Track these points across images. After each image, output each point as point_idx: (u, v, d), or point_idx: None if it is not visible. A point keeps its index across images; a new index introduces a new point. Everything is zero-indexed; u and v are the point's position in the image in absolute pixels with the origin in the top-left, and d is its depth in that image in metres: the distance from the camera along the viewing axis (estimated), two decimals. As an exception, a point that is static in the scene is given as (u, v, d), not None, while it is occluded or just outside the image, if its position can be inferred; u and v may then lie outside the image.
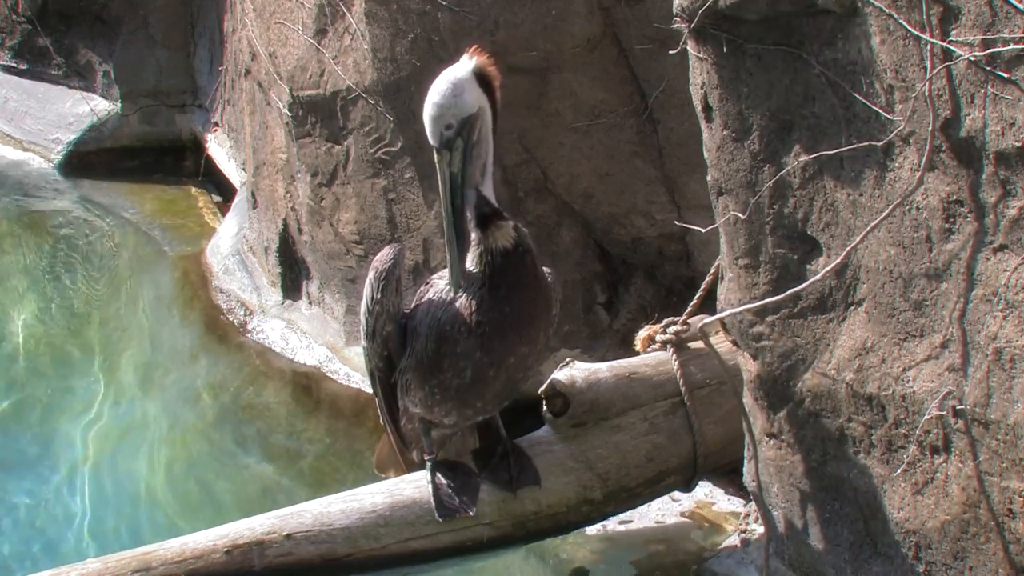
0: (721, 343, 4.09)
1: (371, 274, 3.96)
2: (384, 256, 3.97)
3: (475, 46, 3.71)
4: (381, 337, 3.96)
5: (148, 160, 8.66)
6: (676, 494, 4.61)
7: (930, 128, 2.99)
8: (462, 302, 3.79)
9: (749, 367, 3.69)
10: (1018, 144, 2.84)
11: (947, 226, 3.05)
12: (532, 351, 3.89)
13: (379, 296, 3.92)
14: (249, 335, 6.42)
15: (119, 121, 8.70)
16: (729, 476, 4.60)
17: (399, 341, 3.96)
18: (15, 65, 9.16)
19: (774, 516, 3.80)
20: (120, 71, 8.66)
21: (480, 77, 3.68)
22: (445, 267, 3.82)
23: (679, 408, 4.32)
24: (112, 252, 7.67)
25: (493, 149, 3.78)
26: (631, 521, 4.60)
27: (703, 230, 3.81)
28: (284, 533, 3.91)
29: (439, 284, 3.89)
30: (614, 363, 4.36)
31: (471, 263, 3.79)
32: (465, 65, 3.67)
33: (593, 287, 5.41)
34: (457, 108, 3.66)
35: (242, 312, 6.59)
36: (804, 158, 3.33)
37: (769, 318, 3.55)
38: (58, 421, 5.82)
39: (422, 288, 3.98)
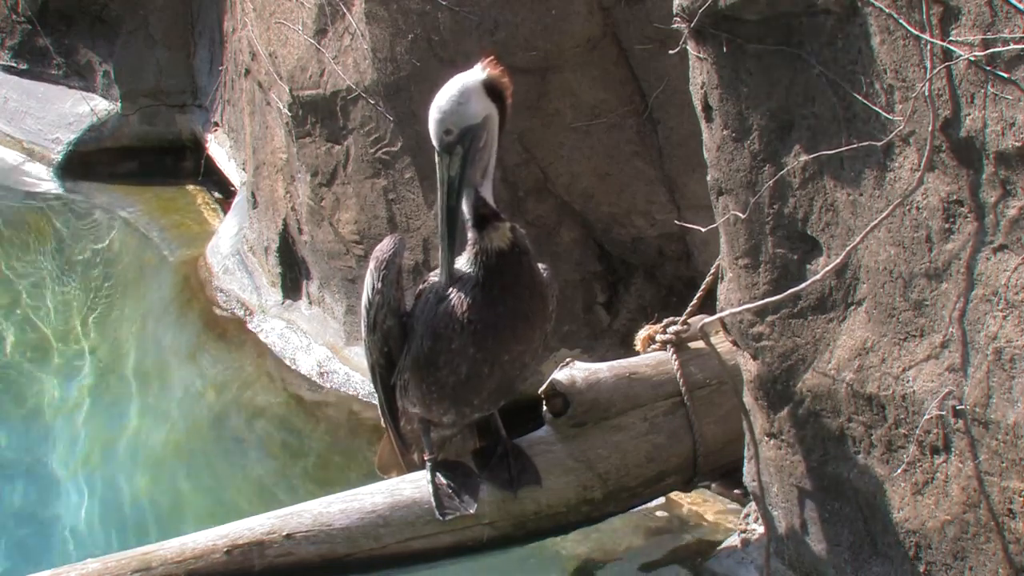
0: (721, 343, 4.09)
1: (371, 264, 3.97)
2: (384, 246, 3.98)
3: (490, 56, 3.71)
4: (382, 331, 3.96)
5: (148, 160, 8.67)
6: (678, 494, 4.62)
7: (930, 128, 2.99)
8: (456, 300, 3.80)
9: (749, 367, 3.69)
10: (1018, 144, 2.84)
11: (947, 226, 3.05)
12: (528, 349, 3.90)
13: (379, 286, 3.93)
14: (249, 335, 6.42)
15: (119, 121, 8.71)
16: (729, 476, 4.61)
17: (399, 338, 3.96)
18: (15, 65, 9.17)
19: (774, 516, 3.80)
20: (120, 71, 8.67)
21: (490, 87, 3.68)
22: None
23: (679, 408, 4.32)
24: (112, 252, 7.68)
25: (496, 152, 3.79)
26: (632, 521, 4.60)
27: (703, 230, 3.81)
28: (284, 533, 3.91)
29: (435, 283, 3.90)
30: (614, 363, 4.36)
31: (468, 263, 3.80)
32: (476, 75, 3.68)
33: (593, 287, 5.41)
34: (459, 116, 3.67)
35: (242, 312, 6.60)
36: (804, 158, 3.33)
37: (769, 318, 3.55)
38: (57, 421, 5.83)
39: (420, 287, 3.99)
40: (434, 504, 4.00)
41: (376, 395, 4.17)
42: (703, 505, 4.73)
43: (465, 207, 3.78)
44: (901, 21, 2.99)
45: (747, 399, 3.78)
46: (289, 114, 5.94)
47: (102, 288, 7.20)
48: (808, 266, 3.43)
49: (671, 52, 3.61)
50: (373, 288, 3.94)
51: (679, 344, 4.38)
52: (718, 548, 4.37)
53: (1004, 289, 2.95)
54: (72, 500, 5.24)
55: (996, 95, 2.86)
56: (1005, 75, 2.83)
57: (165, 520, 5.09)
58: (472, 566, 4.17)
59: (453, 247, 3.76)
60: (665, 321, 4.45)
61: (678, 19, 3.50)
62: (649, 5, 5.03)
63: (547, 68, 5.15)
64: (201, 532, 3.93)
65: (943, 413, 3.11)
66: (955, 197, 3.02)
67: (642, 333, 4.51)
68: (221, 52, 7.98)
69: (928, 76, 2.96)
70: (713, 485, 4.78)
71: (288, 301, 6.46)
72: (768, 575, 3.84)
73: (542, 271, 3.94)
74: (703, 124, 3.62)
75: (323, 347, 6.07)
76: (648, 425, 4.28)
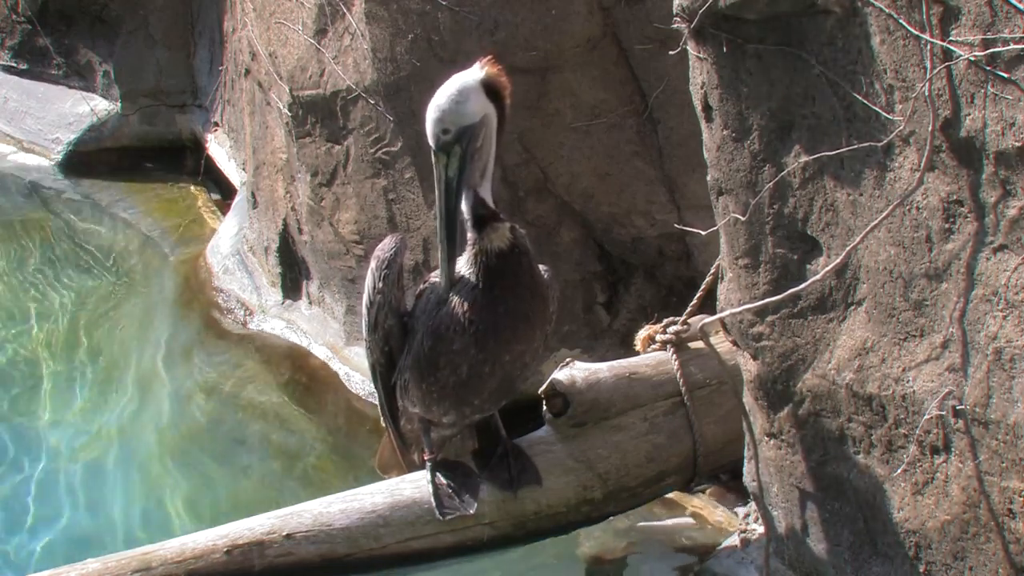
0: (721, 343, 4.09)
1: (372, 264, 3.97)
2: (386, 245, 3.98)
3: (488, 56, 3.71)
4: (383, 330, 3.96)
5: (148, 160, 8.67)
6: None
7: (930, 128, 2.99)
8: (457, 301, 3.80)
9: (749, 367, 3.69)
10: (1018, 144, 2.84)
11: (947, 226, 3.05)
12: (528, 349, 3.90)
13: (380, 285, 3.93)
14: (249, 335, 6.41)
15: (119, 121, 8.71)
16: (729, 477, 4.61)
17: (400, 338, 3.97)
18: (15, 65, 9.16)
19: (774, 516, 3.81)
20: (120, 71, 8.66)
21: (489, 86, 3.68)
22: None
23: (679, 408, 4.32)
24: (111, 252, 7.67)
25: (495, 153, 3.78)
26: (631, 521, 4.61)
27: (703, 231, 3.81)
28: (284, 533, 3.91)
29: (436, 283, 3.90)
30: (614, 363, 4.36)
31: (468, 263, 3.80)
32: (474, 74, 3.67)
33: (593, 287, 5.41)
34: (457, 115, 3.66)
35: (242, 312, 6.59)
36: (804, 158, 3.33)
37: (769, 318, 3.55)
38: (56, 420, 5.82)
39: (421, 287, 3.99)
40: (434, 504, 4.00)
41: (376, 395, 4.17)
42: (704, 506, 4.73)
43: (464, 208, 3.77)
44: (901, 21, 2.99)
45: (747, 399, 3.78)
46: (289, 114, 5.94)
47: (102, 288, 7.19)
48: (808, 266, 3.43)
49: (671, 52, 3.61)
50: (374, 288, 3.94)
51: (679, 344, 4.38)
52: (718, 548, 4.37)
53: (1004, 289, 2.95)
54: (71, 500, 5.24)
55: (996, 95, 2.86)
56: (1005, 75, 2.83)
57: (165, 520, 5.09)
58: (472, 566, 4.17)
59: (454, 250, 3.76)
60: (665, 321, 4.45)
61: (678, 19, 3.50)
62: (649, 5, 5.03)
63: (547, 68, 5.15)
64: (201, 532, 3.93)
65: (943, 413, 3.11)
66: (955, 197, 3.02)
67: (642, 333, 4.51)
68: (221, 52, 7.98)
69: (928, 76, 2.96)
70: (710, 490, 4.79)
71: (288, 301, 6.46)
72: (768, 575, 3.84)
73: (543, 272, 3.94)
74: (703, 124, 3.62)
75: (323, 347, 6.07)
76: (648, 425, 4.28)
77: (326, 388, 5.91)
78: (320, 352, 6.06)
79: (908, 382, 3.20)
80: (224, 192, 8.04)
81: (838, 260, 3.28)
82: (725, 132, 3.51)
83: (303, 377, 6.04)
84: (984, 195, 2.95)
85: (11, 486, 5.34)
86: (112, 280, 7.30)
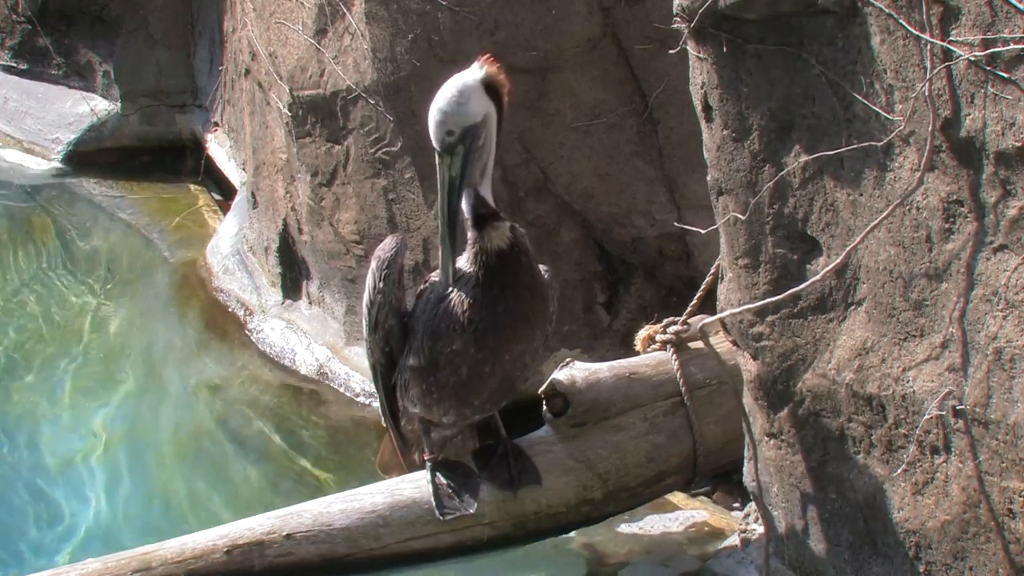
0: (721, 343, 4.09)
1: (373, 264, 3.97)
2: (386, 245, 3.99)
3: (487, 55, 3.71)
4: (383, 330, 3.97)
5: (148, 160, 8.67)
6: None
7: (930, 128, 2.99)
8: (457, 301, 3.80)
9: (749, 367, 3.69)
10: (1018, 144, 2.84)
11: (947, 226, 3.05)
12: (528, 349, 3.90)
13: (381, 285, 3.93)
14: (249, 335, 6.42)
15: (119, 121, 8.70)
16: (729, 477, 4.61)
17: (400, 338, 3.97)
18: (15, 65, 9.16)
19: (774, 516, 3.81)
20: (120, 71, 8.66)
21: (488, 85, 3.68)
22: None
23: (679, 408, 4.32)
24: (111, 252, 7.67)
25: (495, 152, 3.79)
26: (631, 521, 4.61)
27: (703, 231, 3.81)
28: (284, 533, 3.91)
29: (436, 282, 3.90)
30: (614, 363, 4.36)
31: (467, 263, 3.80)
32: (474, 73, 3.67)
33: (593, 287, 5.41)
34: (461, 116, 3.67)
35: (242, 312, 6.60)
36: (804, 158, 3.34)
37: (769, 318, 3.55)
38: (55, 421, 5.82)
39: (421, 287, 3.99)
40: (434, 504, 4.00)
41: (377, 395, 4.17)
42: (704, 506, 4.73)
43: (464, 207, 3.78)
44: (901, 21, 2.99)
45: (747, 399, 3.78)
46: (289, 114, 5.94)
47: (102, 288, 7.20)
48: (808, 266, 3.43)
49: (671, 52, 3.61)
50: (375, 288, 3.94)
51: (679, 344, 4.38)
52: (718, 548, 4.37)
53: (1004, 289, 2.95)
54: (71, 500, 5.24)
55: (996, 95, 2.86)
56: (1005, 75, 2.83)
57: (165, 520, 5.09)
58: (472, 566, 4.17)
59: (455, 247, 3.76)
60: (665, 321, 4.45)
61: (678, 19, 3.51)
62: (649, 5, 5.03)
63: (547, 68, 5.15)
64: (201, 532, 3.93)
65: (943, 413, 3.11)
66: (955, 197, 3.02)
67: (642, 333, 4.51)
68: (221, 52, 7.98)
69: (928, 76, 2.96)
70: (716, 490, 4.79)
71: (288, 301, 6.46)
72: (768, 575, 3.84)
73: (543, 272, 3.94)
74: (703, 124, 3.62)
75: (323, 347, 6.07)
76: (648, 425, 4.28)
77: (326, 388, 5.92)
78: (320, 352, 6.06)
79: (908, 382, 3.20)
80: (224, 192, 8.05)
81: (838, 260, 3.28)
82: (725, 132, 3.51)
83: (303, 377, 6.05)
84: (984, 195, 2.95)
85: (10, 486, 5.34)
86: (112, 280, 7.30)
